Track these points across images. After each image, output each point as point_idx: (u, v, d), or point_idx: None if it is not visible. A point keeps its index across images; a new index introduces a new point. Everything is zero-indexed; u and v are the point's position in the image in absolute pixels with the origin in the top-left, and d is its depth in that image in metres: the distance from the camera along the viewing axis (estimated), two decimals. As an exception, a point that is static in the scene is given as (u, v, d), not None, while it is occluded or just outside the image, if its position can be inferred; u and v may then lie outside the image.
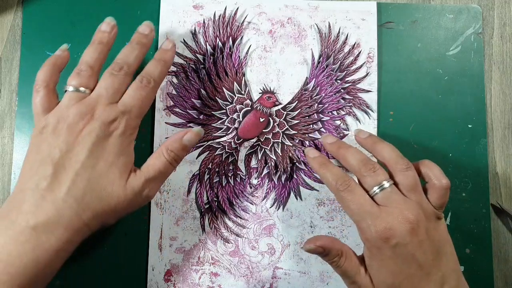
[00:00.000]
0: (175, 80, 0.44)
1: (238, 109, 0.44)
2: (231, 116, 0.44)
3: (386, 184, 0.35)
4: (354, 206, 0.35)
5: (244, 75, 0.44)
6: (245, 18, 0.45)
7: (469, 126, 0.45)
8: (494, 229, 0.44)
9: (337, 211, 0.43)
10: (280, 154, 0.44)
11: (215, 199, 0.43)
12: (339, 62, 0.45)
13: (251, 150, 0.44)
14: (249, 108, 0.44)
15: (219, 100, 0.44)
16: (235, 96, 0.44)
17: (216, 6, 0.45)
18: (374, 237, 0.33)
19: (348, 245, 0.37)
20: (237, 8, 0.45)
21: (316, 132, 0.44)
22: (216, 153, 0.43)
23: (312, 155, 0.40)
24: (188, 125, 0.43)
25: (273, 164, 0.44)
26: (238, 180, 0.43)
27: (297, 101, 0.44)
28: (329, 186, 0.37)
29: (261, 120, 0.44)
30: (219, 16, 0.45)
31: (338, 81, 0.45)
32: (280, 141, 0.44)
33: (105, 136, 0.34)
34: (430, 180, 0.36)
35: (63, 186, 0.32)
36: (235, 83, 0.44)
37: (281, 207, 0.43)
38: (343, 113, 0.44)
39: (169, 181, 0.43)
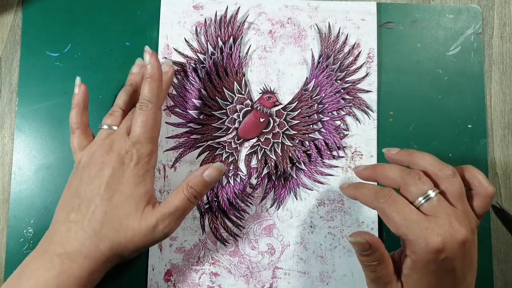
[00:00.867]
0: (175, 80, 0.44)
1: (238, 109, 0.44)
2: (231, 116, 0.44)
3: (432, 193, 0.32)
4: (398, 217, 0.32)
5: (244, 75, 0.45)
6: (246, 18, 0.45)
7: (469, 126, 0.45)
8: (494, 229, 0.44)
9: (337, 211, 0.43)
10: (280, 154, 0.44)
11: (215, 199, 0.43)
12: (339, 62, 0.45)
13: (251, 150, 0.44)
14: (249, 108, 0.44)
15: (219, 100, 0.44)
16: (235, 96, 0.44)
17: (216, 6, 0.45)
18: (424, 251, 0.31)
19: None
20: (239, 8, 0.45)
21: (316, 132, 0.44)
22: (216, 153, 0.44)
23: (345, 185, 0.37)
24: (188, 125, 0.44)
25: (273, 164, 0.44)
26: (238, 180, 0.43)
27: (297, 101, 0.44)
28: (369, 203, 0.34)
29: (261, 120, 0.44)
30: (221, 16, 0.45)
31: (338, 81, 0.45)
32: (280, 141, 0.44)
33: (121, 167, 0.36)
34: (475, 188, 0.34)
35: (85, 218, 0.35)
36: (235, 83, 0.44)
37: (281, 207, 0.43)
38: (343, 113, 0.44)
39: (169, 181, 0.43)
